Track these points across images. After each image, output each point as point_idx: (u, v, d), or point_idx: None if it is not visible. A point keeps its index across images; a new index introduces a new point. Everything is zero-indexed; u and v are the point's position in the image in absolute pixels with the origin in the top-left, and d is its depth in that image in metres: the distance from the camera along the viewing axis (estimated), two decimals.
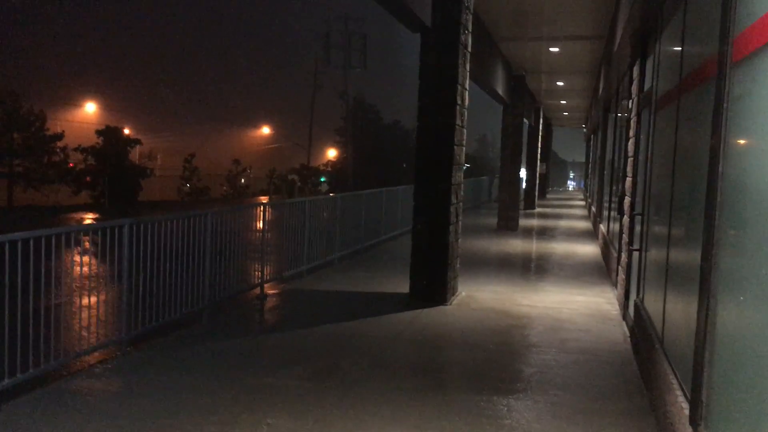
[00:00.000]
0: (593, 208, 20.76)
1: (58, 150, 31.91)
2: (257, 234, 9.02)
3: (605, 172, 16.05)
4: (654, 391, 4.98)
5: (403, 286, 9.14)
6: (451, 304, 8.64)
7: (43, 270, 5.11)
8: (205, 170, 42.03)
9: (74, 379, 5.39)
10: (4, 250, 4.75)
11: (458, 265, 9.41)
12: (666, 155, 5.51)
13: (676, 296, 4.64)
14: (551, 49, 15.63)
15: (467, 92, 9.28)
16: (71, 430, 4.41)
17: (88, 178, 32.11)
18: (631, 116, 8.43)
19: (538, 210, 26.75)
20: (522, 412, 4.98)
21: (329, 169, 49.34)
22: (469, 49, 9.25)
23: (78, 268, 5.97)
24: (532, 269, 12.25)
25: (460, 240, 9.49)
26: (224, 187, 43.52)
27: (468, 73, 9.27)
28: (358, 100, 48.11)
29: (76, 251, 5.78)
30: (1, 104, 29.88)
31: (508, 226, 18.61)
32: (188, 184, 39.91)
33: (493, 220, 19.47)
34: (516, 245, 15.36)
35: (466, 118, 9.24)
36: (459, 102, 8.81)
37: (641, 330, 6.09)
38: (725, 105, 3.23)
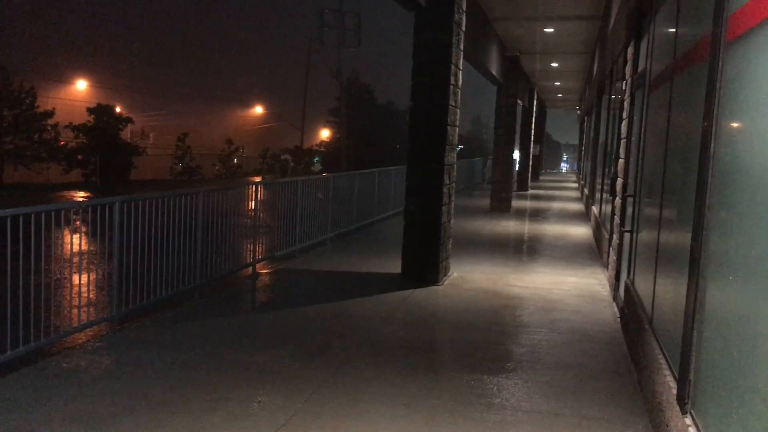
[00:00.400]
0: (586, 190, 20.80)
1: (49, 128, 31.65)
2: (249, 214, 9.00)
3: (598, 154, 16.06)
4: (643, 371, 5.03)
5: (395, 267, 9.16)
6: (443, 285, 8.67)
7: (33, 247, 5.09)
8: (198, 149, 41.84)
9: (65, 357, 5.39)
10: None
11: (450, 246, 9.43)
12: (658, 137, 5.51)
13: (666, 277, 4.66)
14: (546, 30, 15.54)
15: (461, 72, 9.23)
16: (62, 408, 4.42)
17: (79, 156, 31.91)
18: (625, 98, 8.41)
19: (531, 192, 26.79)
20: (512, 391, 5.01)
21: (322, 149, 49.19)
22: (464, 28, 9.19)
23: (69, 246, 5.95)
24: (524, 250, 12.29)
25: (452, 221, 9.50)
26: (217, 167, 43.35)
27: (462, 53, 9.22)
28: (351, 80, 47.83)
29: (66, 229, 5.76)
30: None
31: (500, 207, 18.63)
32: (180, 164, 39.72)
33: (486, 202, 19.49)
34: (508, 226, 15.39)
35: (459, 98, 9.21)
36: (453, 82, 8.77)
37: (631, 310, 6.12)
38: (718, 86, 3.22)
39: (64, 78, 51.05)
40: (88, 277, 6.73)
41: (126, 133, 35.58)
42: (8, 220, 4.87)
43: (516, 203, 20.73)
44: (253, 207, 9.11)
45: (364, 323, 6.74)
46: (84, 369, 5.17)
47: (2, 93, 29.86)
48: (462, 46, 9.16)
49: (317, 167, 45.82)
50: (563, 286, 8.87)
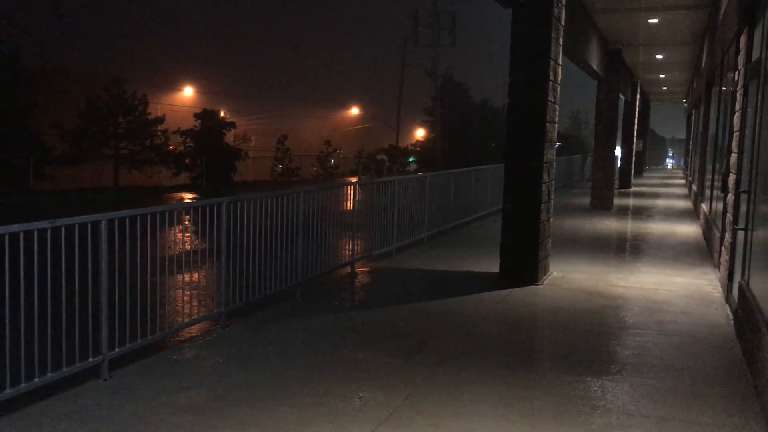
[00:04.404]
0: (694, 187, 19.85)
1: (159, 133, 33.34)
2: (347, 213, 9.16)
3: (708, 149, 15.30)
4: (759, 376, 4.76)
5: (492, 266, 9.07)
6: (542, 284, 8.51)
7: (148, 246, 5.39)
8: (296, 151, 42.87)
9: (178, 350, 5.69)
10: (114, 227, 5.04)
11: (550, 245, 9.24)
12: None
13: None
14: (650, 21, 14.93)
15: (560, 67, 9.03)
16: (174, 397, 4.67)
17: (186, 160, 33.40)
18: (737, 89, 7.98)
19: (633, 189, 25.83)
20: (617, 394, 4.87)
21: (417, 148, 49.28)
22: (563, 22, 8.99)
23: (180, 245, 6.26)
24: (628, 249, 11.87)
25: (551, 219, 9.31)
26: (315, 168, 44.28)
27: (561, 48, 9.01)
28: (446, 79, 47.69)
29: (177, 228, 6.07)
30: (107, 90, 31.49)
31: (602, 205, 18.07)
32: (280, 165, 40.83)
33: (586, 200, 18.96)
34: (610, 225, 14.91)
35: (558, 94, 9.01)
36: (551, 77, 8.59)
37: (746, 313, 5.80)
38: None
39: (172, 85, 53.66)
40: (199, 274, 7.06)
41: (229, 137, 36.96)
42: (127, 220, 5.19)
43: (618, 201, 20.04)
44: (350, 207, 9.26)
45: (462, 322, 6.72)
46: (194, 362, 5.44)
47: (117, 101, 31.73)
48: (561, 41, 8.96)
49: (412, 167, 45.97)
50: (670, 287, 8.51)
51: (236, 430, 4.19)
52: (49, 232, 4.54)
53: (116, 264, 5.11)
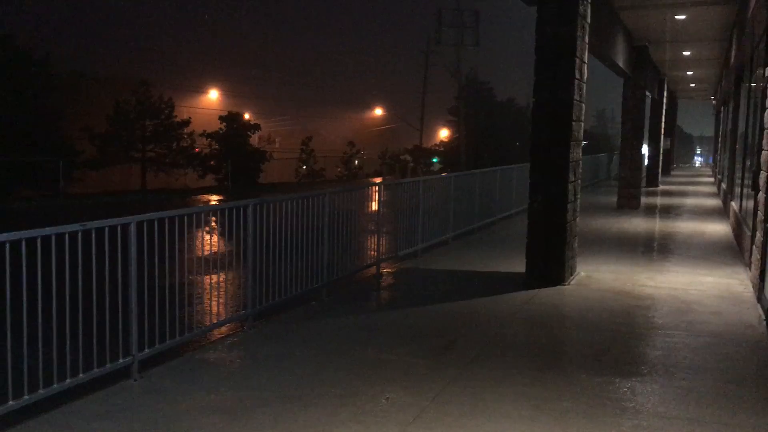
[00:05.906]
0: (723, 185, 19.54)
1: (185, 136, 33.64)
2: (372, 214, 9.16)
3: (737, 146, 15.05)
4: None
5: (519, 266, 9.02)
6: (569, 284, 8.44)
7: (176, 248, 5.45)
8: (321, 152, 43.02)
9: (206, 351, 5.74)
10: (142, 229, 5.10)
11: (576, 245, 9.16)
12: None
13: None
14: (677, 17, 14.73)
15: (586, 65, 8.95)
16: (203, 398, 4.71)
17: (212, 162, 33.69)
18: None
19: (661, 188, 25.50)
20: (647, 396, 4.81)
21: (441, 149, 49.16)
22: (588, 20, 8.91)
23: (208, 247, 6.31)
24: (656, 249, 11.72)
25: (578, 219, 9.23)
26: (339, 169, 44.38)
27: (587, 46, 8.93)
28: (470, 78, 47.47)
29: (206, 230, 6.12)
30: (134, 94, 31.87)
31: (629, 204, 17.87)
32: (305, 167, 40.99)
33: (613, 199, 18.77)
34: (638, 224, 14.74)
35: (584, 92, 8.93)
36: (577, 76, 8.52)
37: None
38: None
39: (197, 88, 54.17)
40: (226, 276, 7.12)
41: (254, 139, 37.20)
42: (155, 222, 5.24)
43: (645, 200, 19.81)
44: (375, 207, 9.27)
45: (489, 323, 6.69)
46: (222, 363, 5.48)
47: (144, 105, 32.11)
48: (587, 39, 8.87)
49: (436, 167, 45.86)
50: (700, 287, 8.38)
51: (264, 431, 4.22)
52: (80, 234, 4.60)
53: (145, 266, 5.17)
